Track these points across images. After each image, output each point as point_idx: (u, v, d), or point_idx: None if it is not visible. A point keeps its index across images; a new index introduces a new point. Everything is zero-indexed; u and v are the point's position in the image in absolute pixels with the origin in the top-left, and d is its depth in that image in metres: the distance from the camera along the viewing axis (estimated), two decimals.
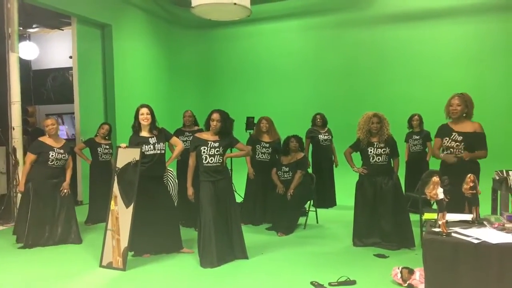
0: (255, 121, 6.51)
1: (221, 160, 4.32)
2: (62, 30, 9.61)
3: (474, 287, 2.26)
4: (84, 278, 4.01)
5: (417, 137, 6.38)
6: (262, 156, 5.92)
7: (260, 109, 7.87)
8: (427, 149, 6.42)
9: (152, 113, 4.58)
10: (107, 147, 6.32)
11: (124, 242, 4.18)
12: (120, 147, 4.43)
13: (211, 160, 4.26)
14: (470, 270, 2.25)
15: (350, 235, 5.03)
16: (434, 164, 6.26)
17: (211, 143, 4.28)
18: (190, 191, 4.33)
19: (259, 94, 9.24)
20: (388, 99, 8.00)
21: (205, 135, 4.38)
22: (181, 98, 9.62)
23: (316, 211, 5.98)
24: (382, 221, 4.66)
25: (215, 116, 4.33)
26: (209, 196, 4.21)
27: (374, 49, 8.42)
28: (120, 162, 4.36)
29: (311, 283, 3.64)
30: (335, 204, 7.13)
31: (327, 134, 7.05)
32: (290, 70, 9.09)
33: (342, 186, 7.28)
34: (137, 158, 4.30)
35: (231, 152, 4.70)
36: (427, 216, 2.85)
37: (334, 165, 7.08)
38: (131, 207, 4.21)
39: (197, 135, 4.42)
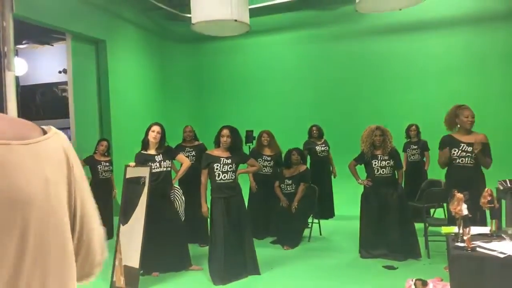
0: (254, 134, 6.56)
1: (234, 176, 4.34)
2: (52, 45, 9.54)
3: None
4: None
5: (415, 147, 6.50)
6: (264, 169, 5.95)
7: (256, 122, 7.93)
8: (424, 159, 6.54)
9: (163, 132, 4.58)
10: (107, 164, 6.27)
11: (126, 261, 4.16)
12: (129, 166, 4.41)
13: (224, 176, 4.28)
14: (497, 284, 2.32)
15: (356, 246, 5.09)
16: (432, 173, 6.41)
17: (223, 160, 4.31)
18: (205, 207, 4.33)
19: (254, 107, 9.28)
20: (384, 110, 8.13)
21: (216, 152, 4.40)
22: (176, 112, 9.61)
23: (319, 222, 6.02)
24: (388, 232, 4.73)
25: (225, 132, 4.37)
26: (221, 213, 4.23)
27: (369, 60, 8.55)
28: (130, 184, 4.35)
29: None
30: (334, 215, 7.19)
31: (324, 145, 7.12)
32: (284, 83, 9.17)
33: (340, 196, 7.36)
34: (147, 177, 4.29)
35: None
36: (445, 230, 2.92)
37: (332, 176, 7.15)
38: (128, 225, 4.21)
39: (208, 152, 4.44)
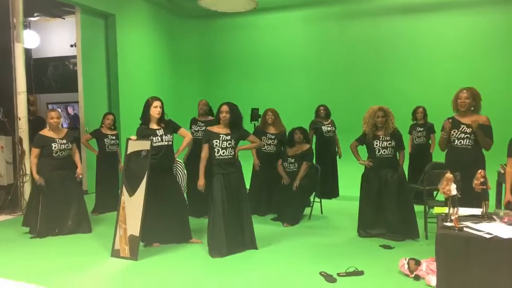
0: (260, 113, 6.56)
1: (233, 152, 4.39)
2: (64, 18, 9.57)
3: (486, 280, 2.34)
4: (96, 268, 4.08)
5: (421, 129, 6.45)
6: (267, 147, 5.98)
7: (264, 100, 7.90)
8: (430, 141, 6.49)
9: (163, 106, 4.62)
10: (114, 137, 6.35)
11: (131, 230, 4.26)
12: (130, 139, 4.47)
13: (223, 153, 4.32)
14: (482, 264, 2.33)
15: (355, 226, 5.13)
16: (437, 156, 6.36)
17: (223, 136, 4.35)
18: (201, 181, 4.39)
19: (263, 85, 9.24)
20: (391, 91, 8.04)
21: (216, 129, 4.44)
22: (184, 88, 9.64)
23: (320, 202, 6.06)
24: (387, 212, 4.75)
25: (224, 108, 4.40)
26: (220, 189, 4.29)
27: (378, 41, 8.41)
28: (131, 157, 4.42)
29: (320, 273, 3.73)
30: (338, 195, 7.22)
31: (330, 125, 7.11)
32: (293, 62, 9.09)
33: (345, 177, 7.36)
34: (147, 150, 4.35)
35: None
36: (437, 210, 2.92)
37: (337, 156, 7.15)
38: (135, 196, 4.30)
39: (209, 128, 4.48)
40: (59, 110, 8.27)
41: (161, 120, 4.63)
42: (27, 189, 6.22)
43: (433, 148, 6.46)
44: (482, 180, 2.70)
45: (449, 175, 2.48)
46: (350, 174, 7.61)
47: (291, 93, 8.98)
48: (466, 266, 2.37)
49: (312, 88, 8.86)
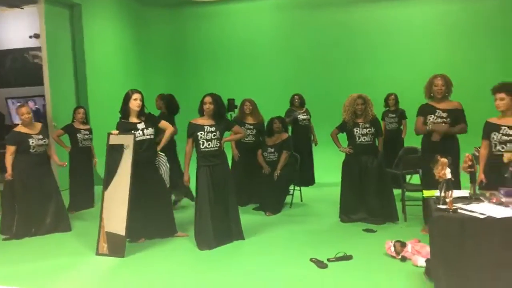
0: (236, 103, 6.54)
1: (219, 144, 4.37)
2: (22, 8, 9.10)
3: (480, 259, 2.47)
4: (82, 268, 3.98)
5: (393, 115, 6.64)
6: (246, 138, 5.97)
7: (237, 90, 7.87)
8: (402, 127, 6.70)
9: (143, 99, 4.52)
10: (87, 132, 6.16)
11: (109, 227, 4.19)
12: (111, 134, 4.35)
13: (209, 144, 4.30)
14: (477, 244, 2.46)
15: (336, 212, 5.25)
16: (409, 141, 6.59)
17: (207, 128, 4.32)
18: (186, 176, 4.36)
19: (235, 75, 9.21)
20: (364, 78, 8.22)
21: (200, 120, 4.40)
22: (154, 80, 9.44)
23: (300, 190, 6.15)
24: (368, 197, 4.89)
25: (207, 99, 4.37)
26: (206, 181, 4.27)
27: (350, 29, 8.56)
28: (113, 151, 4.32)
29: (311, 260, 3.81)
30: (314, 182, 7.34)
31: (305, 114, 7.19)
32: (266, 51, 9.10)
33: (320, 164, 7.50)
34: (130, 145, 4.26)
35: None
36: (426, 193, 3.05)
37: (313, 144, 7.26)
38: (108, 191, 4.23)
39: (192, 121, 4.43)
40: (29, 103, 7.89)
41: (141, 114, 4.53)
42: None
43: (404, 133, 6.67)
44: (470, 163, 2.83)
45: (444, 159, 2.59)
46: (325, 161, 7.78)
47: (265, 83, 9.00)
48: (462, 247, 2.50)
49: (285, 77, 8.92)
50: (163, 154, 4.77)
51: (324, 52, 8.77)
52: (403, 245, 3.81)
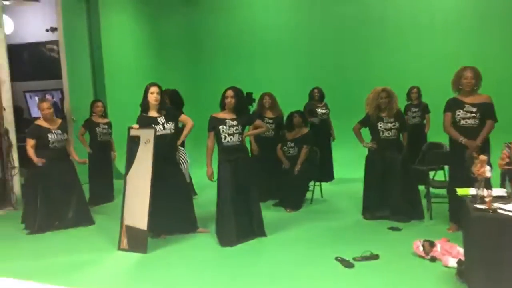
0: (254, 97, 6.45)
1: (241, 138, 4.29)
2: (39, 1, 9.10)
3: None
4: (103, 264, 3.95)
5: (416, 109, 6.48)
6: (266, 132, 5.88)
7: (253, 84, 7.72)
8: (425, 121, 6.54)
9: (162, 92, 4.46)
10: (106, 126, 6.13)
11: (130, 221, 4.15)
12: (132, 128, 4.30)
13: (231, 139, 4.22)
14: None
15: (358, 208, 5.15)
16: (432, 135, 6.44)
17: (229, 122, 4.24)
18: (209, 171, 4.29)
19: (252, 69, 9.05)
20: (385, 72, 7.99)
21: (221, 114, 4.32)
22: (171, 72, 9.32)
23: (320, 185, 6.05)
24: (393, 194, 4.76)
25: (229, 92, 4.29)
26: (228, 176, 4.20)
27: (369, 20, 8.33)
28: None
29: (336, 259, 3.72)
30: (333, 178, 7.22)
31: (324, 108, 7.06)
32: (283, 44, 8.92)
33: (338, 159, 7.38)
34: (151, 139, 4.20)
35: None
36: (461, 192, 2.93)
37: (331, 139, 7.14)
38: (130, 185, 4.18)
39: (214, 115, 4.35)
40: (47, 97, 7.88)
41: (161, 107, 4.47)
42: (16, 183, 5.96)
43: (428, 128, 6.51)
44: (507, 160, 2.70)
45: (483, 157, 2.47)
46: (343, 156, 7.66)
47: (282, 76, 8.84)
48: (502, 248, 2.38)
49: (303, 70, 8.75)
50: (183, 148, 4.71)
51: (342, 45, 8.57)
52: (432, 244, 3.69)
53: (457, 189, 2.99)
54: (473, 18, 7.88)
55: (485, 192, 2.48)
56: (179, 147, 4.67)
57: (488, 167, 2.48)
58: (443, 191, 5.51)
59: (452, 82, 4.32)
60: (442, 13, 8.02)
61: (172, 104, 6.06)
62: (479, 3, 7.86)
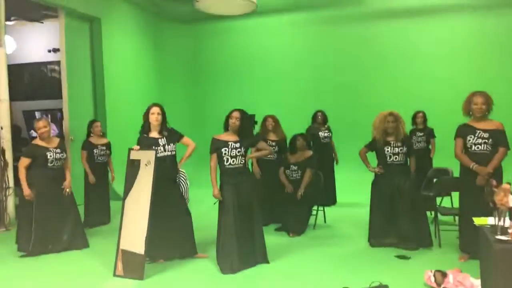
0: (256, 119, 6.37)
1: (244, 161, 4.16)
2: (42, 22, 9.12)
3: None
4: None
5: (421, 134, 6.38)
6: (269, 155, 5.75)
7: (255, 107, 7.68)
8: (430, 146, 6.43)
9: (163, 112, 4.35)
10: (104, 148, 6.01)
11: (126, 246, 3.97)
12: (132, 149, 4.18)
13: (233, 161, 4.09)
14: None
15: (363, 234, 4.99)
16: (437, 161, 6.32)
17: (232, 144, 4.12)
18: (216, 190, 4.13)
19: (253, 91, 9.03)
20: (388, 96, 7.96)
21: (224, 136, 4.21)
22: (171, 94, 9.31)
23: (324, 210, 5.90)
24: (400, 221, 4.59)
25: (235, 114, 4.19)
26: (231, 199, 4.05)
27: (371, 44, 8.37)
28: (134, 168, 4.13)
29: None
30: (336, 202, 7.07)
31: (327, 131, 6.98)
32: (284, 67, 8.94)
33: (340, 183, 7.25)
34: (152, 161, 4.07)
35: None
36: (478, 221, 2.78)
37: (334, 162, 7.02)
38: (126, 208, 4.04)
39: (216, 136, 4.23)
40: (45, 117, 7.78)
41: (162, 128, 4.36)
42: (10, 203, 5.80)
43: (433, 153, 6.40)
44: None
45: (507, 185, 2.34)
46: (346, 180, 7.53)
47: (283, 99, 8.82)
48: None
49: (305, 94, 8.72)
50: (183, 171, 4.57)
51: (345, 70, 8.57)
52: (444, 275, 3.52)
53: (474, 219, 2.84)
54: (480, 42, 7.88)
55: (507, 222, 2.34)
56: (180, 169, 4.53)
57: (511, 197, 2.34)
58: (450, 218, 5.41)
59: (463, 108, 4.21)
60: (448, 37, 8.03)
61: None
62: (485, 27, 7.87)
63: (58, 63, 9.02)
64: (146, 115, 4.34)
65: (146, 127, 4.36)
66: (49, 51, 9.45)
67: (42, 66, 9.79)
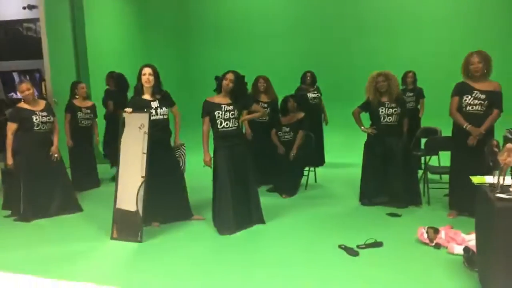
0: (246, 80, 6.24)
1: (237, 123, 4.12)
2: None
3: None
4: (98, 254, 3.75)
5: (411, 94, 6.39)
6: (263, 116, 5.70)
7: (242, 68, 7.51)
8: (419, 106, 6.47)
9: (156, 74, 4.22)
10: (88, 111, 5.85)
11: (120, 204, 3.97)
12: (125, 112, 4.07)
13: (227, 124, 4.05)
14: None
15: (354, 193, 5.09)
16: (426, 121, 6.39)
17: (224, 107, 4.05)
18: (207, 157, 4.11)
19: (241, 53, 8.79)
20: (379, 57, 7.89)
21: (217, 99, 4.14)
22: (159, 55, 8.99)
23: (315, 170, 5.96)
24: (392, 180, 4.68)
25: (230, 75, 4.11)
26: (225, 162, 4.03)
27: (364, 5, 8.22)
28: (128, 130, 4.03)
29: (340, 246, 3.63)
30: (324, 163, 7.14)
31: (316, 92, 6.93)
32: (274, 28, 8.71)
33: (329, 144, 7.30)
34: (146, 123, 3.99)
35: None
36: (477, 180, 2.84)
37: (324, 123, 7.03)
38: (121, 172, 4.00)
39: (208, 99, 4.15)
40: (27, 79, 7.45)
41: (156, 91, 4.24)
42: None
43: (422, 113, 6.45)
44: None
45: (510, 145, 2.38)
46: (334, 141, 7.59)
47: (272, 60, 8.64)
48: None
49: (294, 54, 8.58)
50: (183, 143, 4.49)
51: (336, 29, 8.41)
52: (436, 231, 3.64)
53: (472, 177, 2.90)
54: (471, 4, 7.80)
55: (508, 181, 2.39)
56: (181, 141, 4.46)
57: None
58: (437, 177, 5.54)
59: (462, 69, 4.19)
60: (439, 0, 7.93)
61: (117, 86, 6.23)
62: None
63: (34, 21, 8.60)
64: (139, 76, 4.21)
65: (138, 88, 4.25)
66: (24, 8, 8.98)
67: (17, 24, 9.32)
